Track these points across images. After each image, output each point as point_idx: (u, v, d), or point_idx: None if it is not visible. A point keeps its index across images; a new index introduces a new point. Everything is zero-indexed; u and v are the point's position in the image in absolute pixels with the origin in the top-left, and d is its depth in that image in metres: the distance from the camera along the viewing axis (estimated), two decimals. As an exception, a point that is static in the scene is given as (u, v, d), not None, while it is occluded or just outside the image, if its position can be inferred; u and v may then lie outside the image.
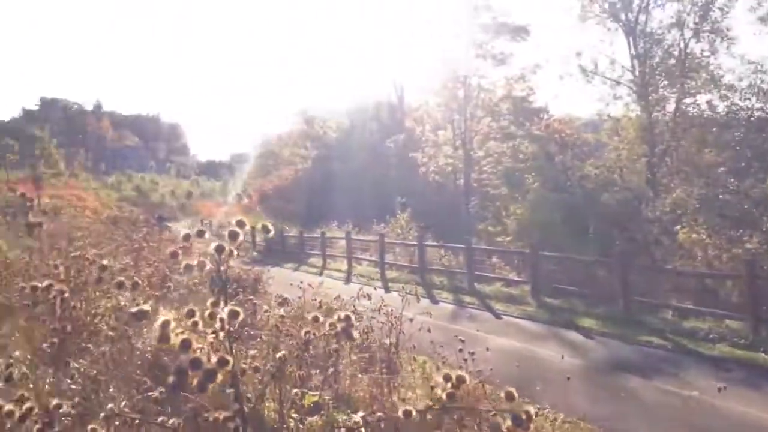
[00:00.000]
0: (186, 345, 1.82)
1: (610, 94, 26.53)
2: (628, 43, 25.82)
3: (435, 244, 19.01)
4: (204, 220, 41.19)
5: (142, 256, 11.24)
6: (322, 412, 4.55)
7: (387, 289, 15.02)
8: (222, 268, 2.03)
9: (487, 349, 7.22)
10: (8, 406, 1.92)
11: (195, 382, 1.78)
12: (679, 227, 17.71)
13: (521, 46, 31.23)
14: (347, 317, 2.17)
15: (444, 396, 2.05)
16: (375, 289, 12.10)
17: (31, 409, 1.94)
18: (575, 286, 13.57)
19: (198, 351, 1.82)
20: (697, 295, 13.00)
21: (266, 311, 7.11)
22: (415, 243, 18.48)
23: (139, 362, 4.87)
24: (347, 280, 17.89)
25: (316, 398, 4.62)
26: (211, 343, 1.92)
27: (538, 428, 5.50)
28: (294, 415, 4.21)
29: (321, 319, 2.32)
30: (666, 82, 24.93)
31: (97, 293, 5.99)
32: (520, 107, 30.31)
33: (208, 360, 1.80)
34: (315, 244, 24.31)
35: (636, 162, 24.08)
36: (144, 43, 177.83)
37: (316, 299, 7.91)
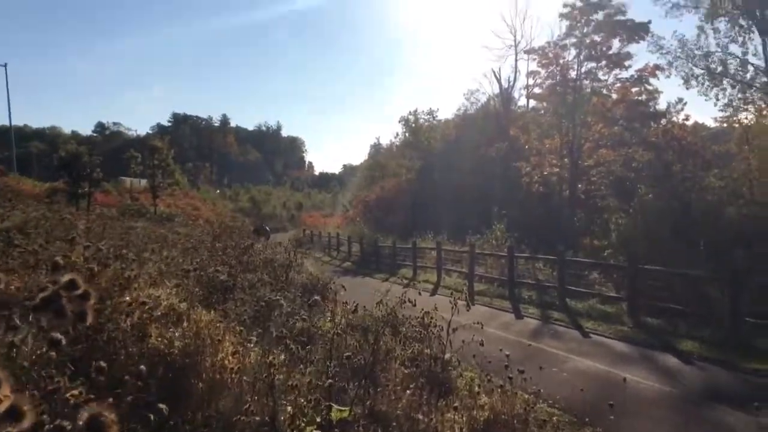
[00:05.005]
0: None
1: (740, 98, 24.26)
2: (763, 42, 23.34)
3: (525, 255, 17.74)
4: (306, 231, 42.27)
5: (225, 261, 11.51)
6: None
7: (472, 302, 14.10)
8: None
9: (563, 372, 6.32)
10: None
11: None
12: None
13: (640, 46, 29.10)
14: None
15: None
16: (462, 300, 11.28)
17: None
18: (681, 305, 11.90)
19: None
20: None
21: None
22: (504, 254, 17.37)
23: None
24: (434, 292, 17.14)
25: (345, 414, 4.01)
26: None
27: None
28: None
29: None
30: (806, 85, 22.25)
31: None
32: (636, 111, 28.04)
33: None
34: (408, 254, 23.75)
35: (769, 174, 21.36)
36: (267, 58, 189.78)
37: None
